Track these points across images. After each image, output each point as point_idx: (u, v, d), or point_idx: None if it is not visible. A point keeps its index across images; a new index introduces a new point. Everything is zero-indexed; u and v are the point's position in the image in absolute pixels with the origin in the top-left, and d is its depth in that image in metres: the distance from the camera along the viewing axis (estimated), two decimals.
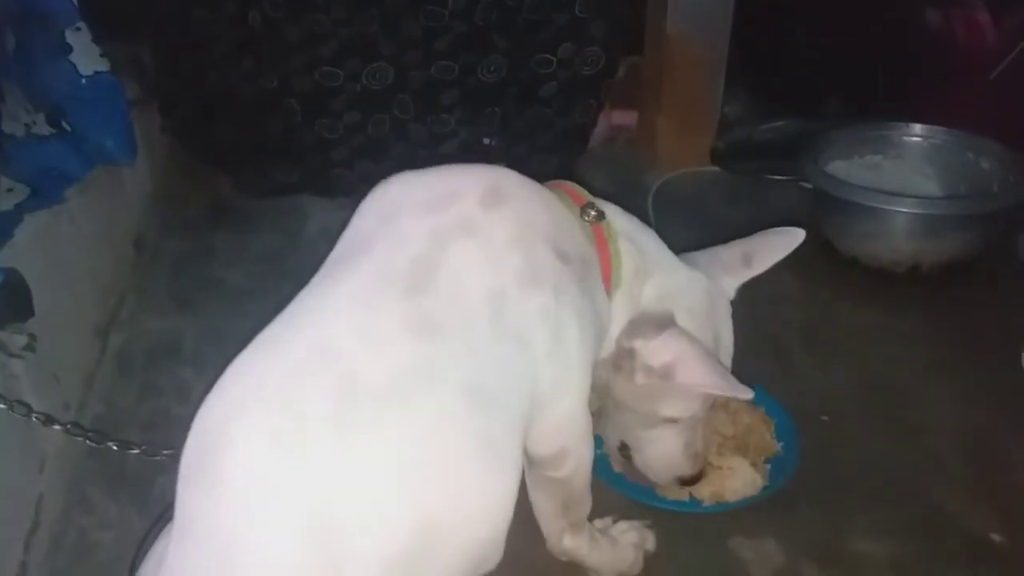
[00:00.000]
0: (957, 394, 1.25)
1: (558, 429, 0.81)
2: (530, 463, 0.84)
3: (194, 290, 1.50)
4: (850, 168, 1.62)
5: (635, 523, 1.00)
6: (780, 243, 0.95)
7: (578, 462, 0.85)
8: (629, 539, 0.98)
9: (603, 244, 0.85)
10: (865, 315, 1.43)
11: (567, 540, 0.91)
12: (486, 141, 1.74)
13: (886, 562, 1.00)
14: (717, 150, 1.87)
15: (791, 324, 1.40)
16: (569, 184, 0.89)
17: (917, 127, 1.65)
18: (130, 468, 1.12)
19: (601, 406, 0.95)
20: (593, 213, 0.85)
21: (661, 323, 0.86)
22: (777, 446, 1.11)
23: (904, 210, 1.45)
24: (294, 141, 1.70)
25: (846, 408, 1.23)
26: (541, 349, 0.75)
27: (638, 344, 0.86)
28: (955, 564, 1.00)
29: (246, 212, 1.73)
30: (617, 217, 0.88)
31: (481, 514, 0.69)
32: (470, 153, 1.70)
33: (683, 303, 0.89)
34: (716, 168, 1.86)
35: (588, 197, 0.87)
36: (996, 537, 1.03)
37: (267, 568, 0.62)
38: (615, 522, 1.00)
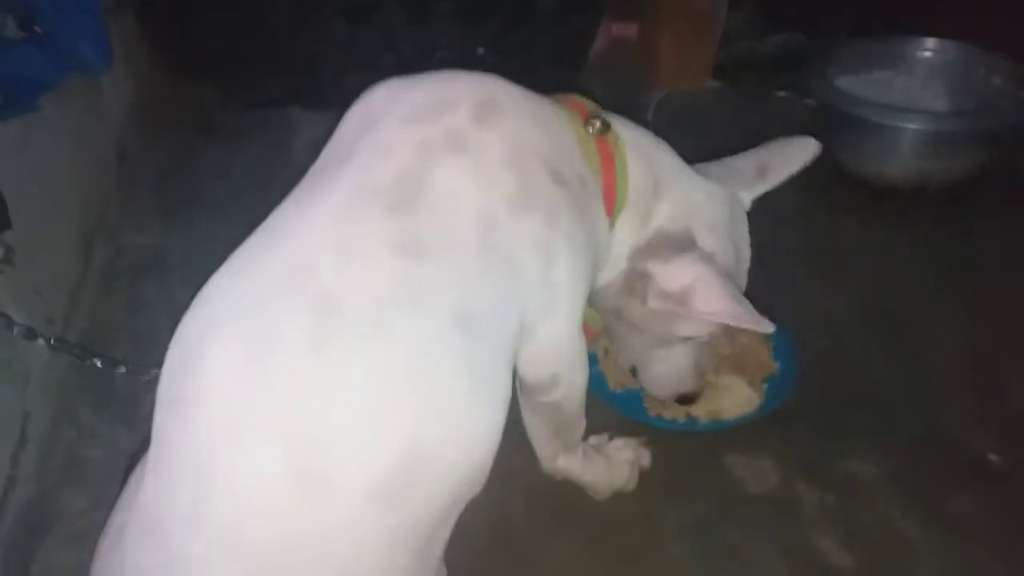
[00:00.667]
0: (959, 314, 1.23)
1: (548, 355, 0.78)
2: (522, 388, 0.82)
3: (180, 203, 1.46)
4: (858, 83, 1.56)
5: (630, 440, 0.99)
6: (795, 154, 0.91)
7: (569, 387, 0.82)
8: (624, 456, 0.97)
9: (608, 159, 0.80)
10: (869, 234, 1.40)
11: (561, 461, 0.90)
12: (480, 51, 1.67)
13: (882, 481, 1.00)
14: (720, 64, 1.81)
15: (793, 242, 1.37)
16: (573, 96, 0.84)
17: (928, 41, 1.59)
18: (119, 384, 1.10)
19: (609, 327, 0.92)
20: (598, 124, 0.80)
21: (679, 244, 0.82)
22: (775, 366, 1.09)
23: (912, 126, 1.41)
24: (281, 53, 1.64)
25: (846, 328, 1.21)
26: (531, 276, 0.71)
27: (653, 267, 0.82)
28: (953, 483, 0.99)
29: (232, 124, 1.67)
30: (625, 129, 0.83)
31: (469, 439, 0.66)
32: (464, 67, 1.63)
33: (704, 219, 0.84)
34: (719, 83, 1.81)
35: (592, 108, 0.82)
36: (994, 457, 1.02)
37: (245, 495, 0.59)
38: (610, 439, 0.99)
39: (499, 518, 0.93)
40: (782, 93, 1.74)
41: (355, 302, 0.63)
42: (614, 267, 0.84)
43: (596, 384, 1.04)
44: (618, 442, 0.99)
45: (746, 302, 0.79)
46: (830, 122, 1.50)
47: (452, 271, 0.67)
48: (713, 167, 0.91)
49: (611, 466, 0.95)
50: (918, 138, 1.41)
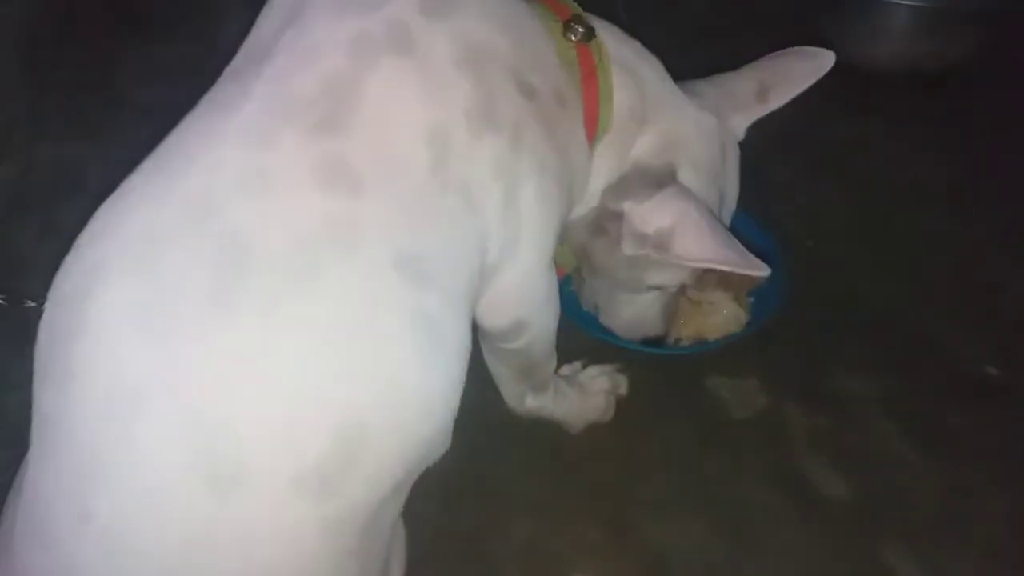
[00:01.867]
0: (955, 215, 1.15)
1: (511, 300, 0.67)
2: (482, 334, 0.71)
3: (97, 109, 1.30)
4: None
5: (605, 367, 0.91)
6: (805, 70, 0.78)
7: (538, 331, 0.72)
8: (599, 385, 0.89)
9: (590, 72, 0.67)
10: (857, 126, 1.29)
11: (530, 401, 0.81)
12: None
13: (876, 399, 0.93)
14: None
15: (772, 133, 1.24)
16: None
17: None
18: (35, 325, 0.98)
19: (576, 267, 0.82)
20: (581, 30, 0.67)
21: (659, 180, 0.70)
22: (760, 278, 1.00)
23: (904, 3, 1.27)
24: None
25: (833, 229, 1.12)
26: (492, 208, 0.59)
27: (628, 206, 0.70)
28: (950, 399, 0.93)
29: (153, 15, 1.48)
30: (611, 37, 0.70)
31: (419, 411, 0.55)
32: None
33: (688, 155, 0.72)
34: None
35: (575, 8, 0.69)
36: (993, 370, 0.96)
37: (139, 488, 0.49)
38: (584, 367, 0.91)
39: (465, 457, 0.84)
40: None
41: (269, 246, 0.51)
42: (587, 202, 0.72)
43: (568, 305, 0.94)
44: (592, 370, 0.90)
45: (735, 242, 0.68)
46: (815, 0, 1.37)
47: (393, 205, 0.54)
48: (705, 86, 0.78)
49: (585, 398, 0.86)
50: (911, 16, 1.29)
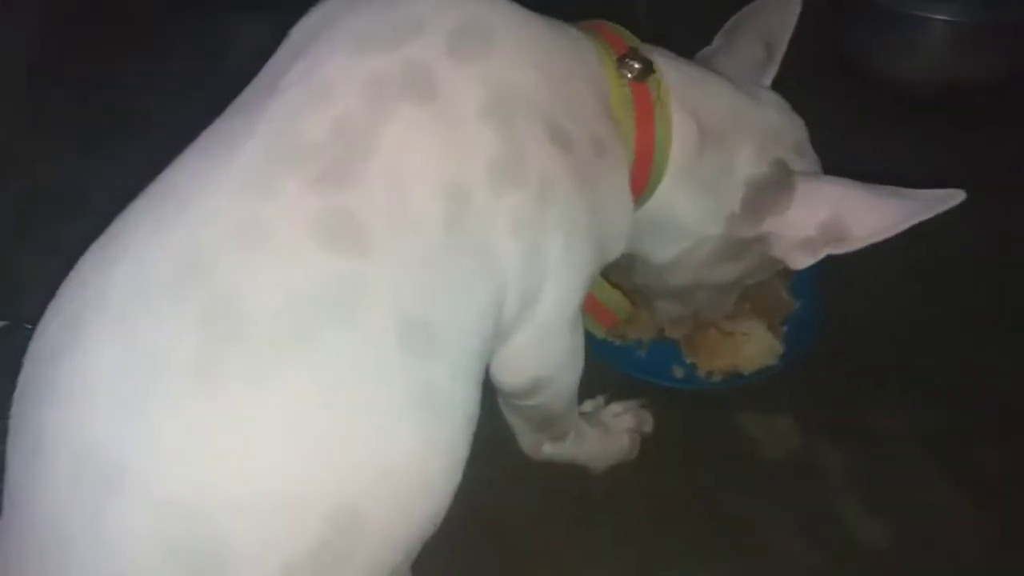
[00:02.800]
0: (993, 239, 1.08)
1: (528, 358, 0.62)
2: (498, 390, 0.66)
3: (98, 126, 1.26)
4: None
5: (629, 403, 0.85)
6: (783, 15, 0.75)
7: (557, 389, 0.67)
8: (623, 424, 0.83)
9: (646, 113, 0.61)
10: (890, 145, 1.23)
11: (547, 449, 0.76)
12: None
13: (916, 438, 0.87)
14: None
15: None
16: (602, 22, 0.65)
17: None
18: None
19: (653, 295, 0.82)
20: (637, 66, 0.61)
21: (781, 182, 0.66)
22: (795, 304, 0.95)
23: (940, 17, 1.22)
24: None
25: (867, 256, 1.06)
26: (510, 267, 0.54)
27: (771, 224, 0.67)
28: (994, 439, 0.86)
29: (158, 30, 1.45)
30: (669, 68, 0.64)
31: (420, 491, 0.50)
32: None
33: (785, 142, 0.68)
34: None
35: (632, 42, 0.63)
36: None
37: None
38: (607, 403, 0.85)
39: (476, 502, 0.80)
40: None
41: (262, 310, 0.46)
42: (679, 240, 0.69)
43: (593, 345, 0.89)
44: (616, 407, 0.84)
45: (906, 191, 0.66)
46: (842, 11, 1.31)
47: (401, 267, 0.49)
48: (726, 60, 0.74)
49: (609, 438, 0.81)
50: (945, 31, 1.23)
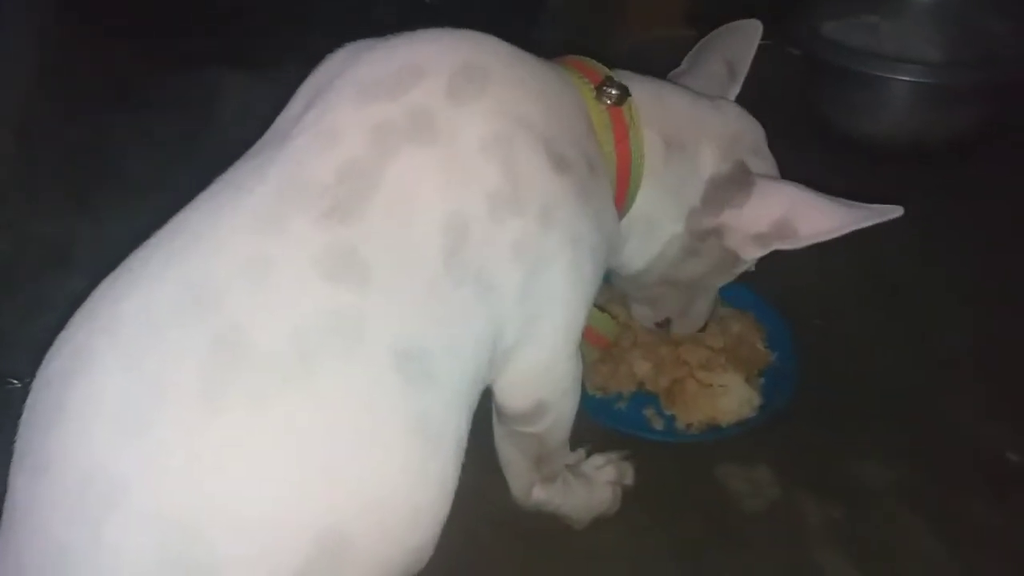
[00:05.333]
0: (965, 291, 1.11)
1: (534, 381, 0.64)
2: (499, 417, 0.69)
3: (89, 183, 1.28)
4: (843, 29, 1.42)
5: (611, 455, 0.86)
6: (745, 39, 0.83)
7: (559, 415, 0.69)
8: (605, 476, 0.84)
9: (623, 132, 0.66)
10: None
11: (537, 492, 0.77)
12: (428, 0, 1.50)
13: (894, 488, 0.88)
14: (694, 11, 1.66)
15: None
16: (576, 58, 0.70)
17: None
18: (18, 405, 0.94)
19: (637, 297, 0.86)
20: (615, 93, 0.66)
21: (739, 180, 0.70)
22: (771, 356, 0.97)
23: (905, 78, 1.27)
24: (202, 5, 1.45)
25: (843, 308, 1.09)
26: (509, 291, 0.57)
27: (728, 216, 0.71)
28: (970, 487, 0.88)
29: (149, 88, 1.47)
30: (637, 89, 0.69)
31: (408, 520, 0.52)
32: (411, 17, 1.46)
33: (745, 145, 0.73)
34: (692, 31, 1.65)
35: (605, 72, 0.68)
36: (1012, 456, 0.91)
37: None
38: (588, 455, 0.86)
39: (461, 552, 0.80)
40: (762, 41, 1.59)
41: (266, 339, 0.49)
42: (652, 243, 0.73)
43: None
44: (597, 459, 0.85)
45: (853, 202, 0.70)
46: (815, 73, 1.37)
47: (401, 297, 0.52)
48: (690, 79, 0.80)
49: (591, 490, 0.82)
50: (912, 91, 1.28)
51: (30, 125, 1.39)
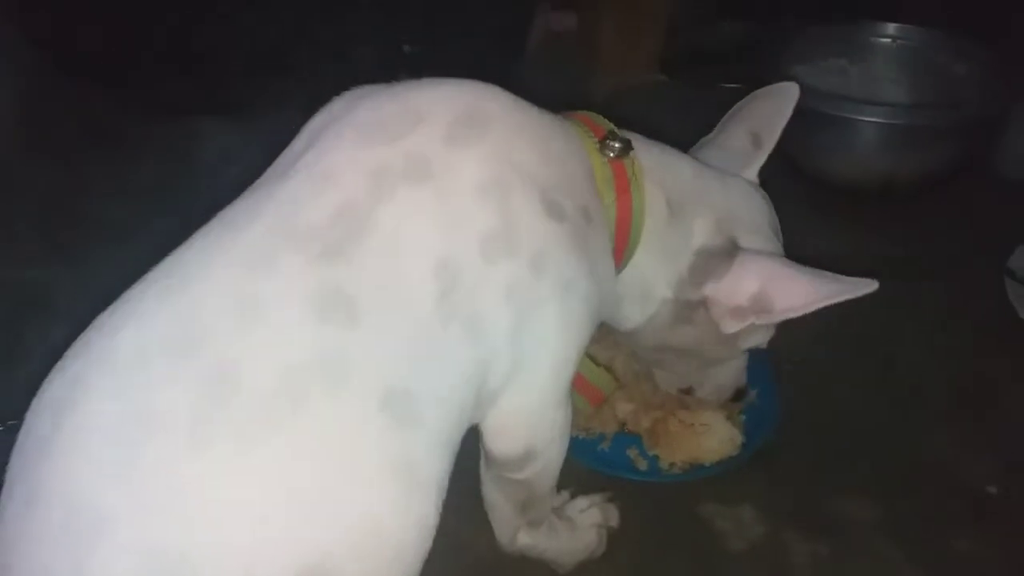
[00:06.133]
0: (939, 325, 1.13)
1: (521, 427, 0.65)
2: (487, 461, 0.68)
3: (66, 230, 1.27)
4: (811, 73, 1.45)
5: (595, 498, 0.86)
6: (778, 105, 0.80)
7: (546, 462, 0.69)
8: (590, 519, 0.83)
9: (624, 187, 0.66)
10: (833, 240, 1.28)
11: (522, 537, 0.76)
12: (406, 49, 1.52)
13: (877, 523, 0.88)
14: (667, 57, 1.69)
15: None
16: (583, 113, 0.71)
17: (888, 27, 1.48)
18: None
19: (648, 362, 0.86)
20: (617, 146, 0.67)
21: (726, 254, 0.70)
22: (752, 393, 0.98)
23: (870, 120, 1.30)
24: (181, 51, 1.46)
25: (818, 347, 1.10)
26: (498, 334, 0.57)
27: (710, 289, 0.71)
28: (952, 521, 0.89)
29: (126, 134, 1.47)
30: (643, 149, 0.70)
31: (391, 558, 0.52)
32: (389, 62, 1.48)
33: (742, 222, 0.73)
34: (666, 77, 1.69)
35: (608, 126, 0.69)
36: (992, 489, 0.92)
37: None
38: (572, 497, 0.86)
39: None
40: (734, 85, 1.62)
41: (255, 378, 0.49)
42: (646, 304, 0.73)
43: None
44: (581, 502, 0.85)
45: (828, 274, 0.69)
46: None
47: (389, 338, 0.53)
48: (709, 152, 0.80)
49: (576, 534, 0.81)
50: (878, 133, 1.31)
51: (6, 171, 1.38)
